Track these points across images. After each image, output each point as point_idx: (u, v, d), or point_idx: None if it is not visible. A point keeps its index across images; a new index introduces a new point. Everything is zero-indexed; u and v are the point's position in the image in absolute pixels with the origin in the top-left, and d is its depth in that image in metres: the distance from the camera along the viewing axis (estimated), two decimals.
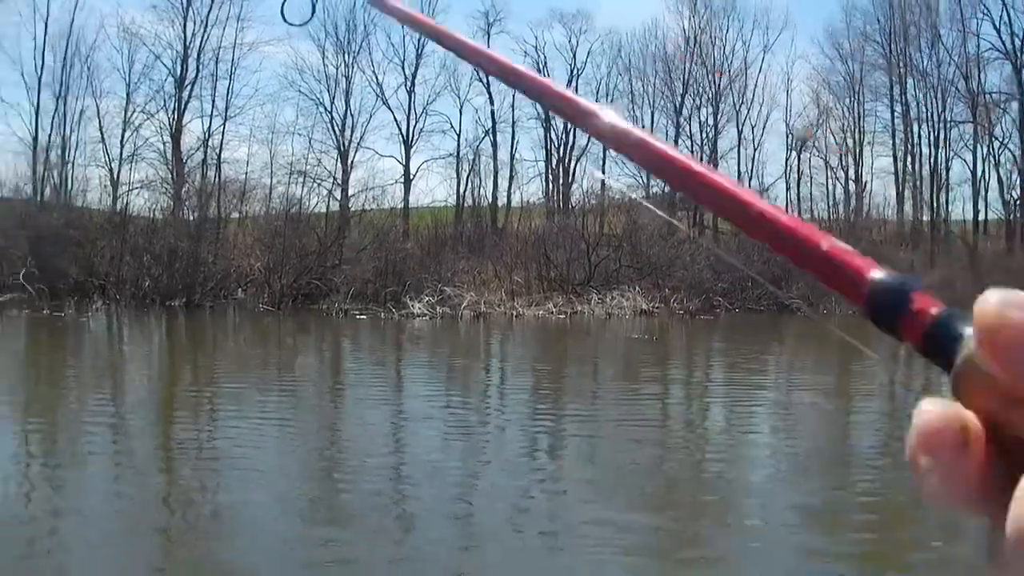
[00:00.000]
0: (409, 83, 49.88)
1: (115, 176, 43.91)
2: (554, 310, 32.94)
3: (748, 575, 6.19)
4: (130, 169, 44.61)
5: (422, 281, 33.63)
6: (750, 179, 50.41)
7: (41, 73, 44.06)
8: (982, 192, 47.29)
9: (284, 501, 7.91)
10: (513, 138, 51.83)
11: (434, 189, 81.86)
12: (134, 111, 44.62)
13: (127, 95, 44.62)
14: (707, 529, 7.31)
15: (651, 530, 7.12)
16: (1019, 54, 45.40)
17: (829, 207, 50.16)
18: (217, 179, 43.28)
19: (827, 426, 12.35)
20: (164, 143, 44.76)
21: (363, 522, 7.26)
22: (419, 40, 49.10)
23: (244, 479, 8.64)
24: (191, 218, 36.68)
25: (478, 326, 29.57)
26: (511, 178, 51.82)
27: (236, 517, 7.42)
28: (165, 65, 44.88)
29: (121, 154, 44.31)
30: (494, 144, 51.32)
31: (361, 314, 31.33)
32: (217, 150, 45.16)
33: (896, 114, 49.21)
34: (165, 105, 44.98)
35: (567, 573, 6.20)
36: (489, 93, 50.53)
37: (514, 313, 32.48)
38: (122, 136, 44.40)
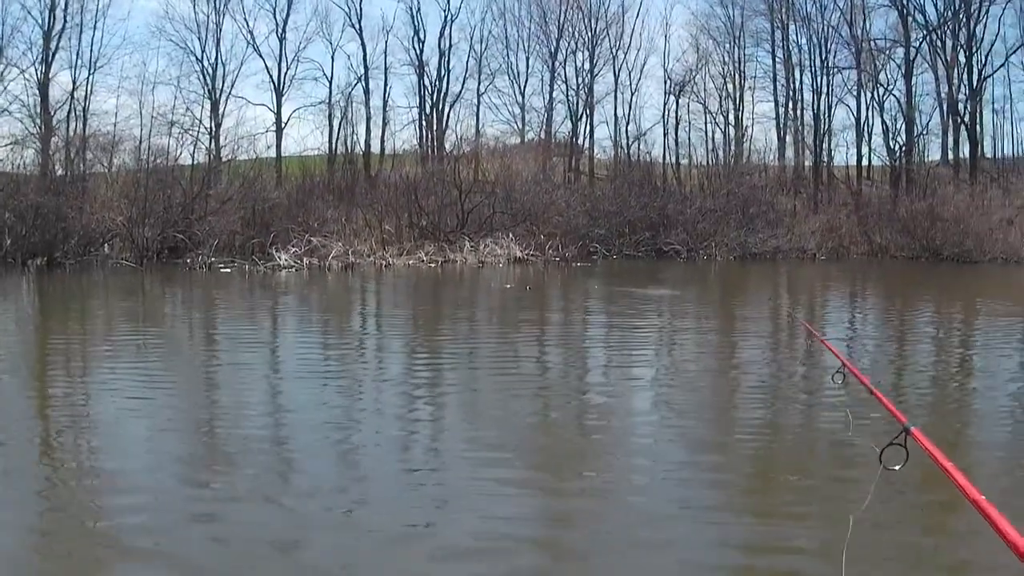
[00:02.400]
0: (280, 29, 48.03)
1: None
2: (425, 259, 32.25)
3: (636, 505, 6.26)
4: None
5: (289, 231, 32.56)
6: (627, 124, 50.12)
7: None
8: (866, 138, 47.91)
9: (160, 450, 7.74)
10: (386, 84, 50.50)
11: (306, 138, 79.94)
12: (6, 66, 41.79)
13: (0, 49, 41.71)
14: (592, 467, 7.29)
15: (535, 467, 7.25)
16: (905, 1, 45.61)
17: (708, 152, 49.93)
18: (83, 132, 41.25)
19: (707, 368, 12.31)
20: (32, 96, 42.19)
21: (243, 469, 7.10)
22: None
23: (116, 434, 8.37)
24: (59, 173, 35.16)
25: (346, 277, 28.65)
26: (384, 125, 50.46)
27: (112, 468, 7.21)
28: (34, 18, 42.33)
29: None
30: (366, 91, 49.60)
31: (226, 267, 30.20)
32: (83, 103, 42.81)
33: (778, 60, 49.26)
34: (34, 59, 42.40)
35: (452, 511, 6.15)
36: (361, 39, 49.07)
37: (384, 263, 31.69)
38: None
